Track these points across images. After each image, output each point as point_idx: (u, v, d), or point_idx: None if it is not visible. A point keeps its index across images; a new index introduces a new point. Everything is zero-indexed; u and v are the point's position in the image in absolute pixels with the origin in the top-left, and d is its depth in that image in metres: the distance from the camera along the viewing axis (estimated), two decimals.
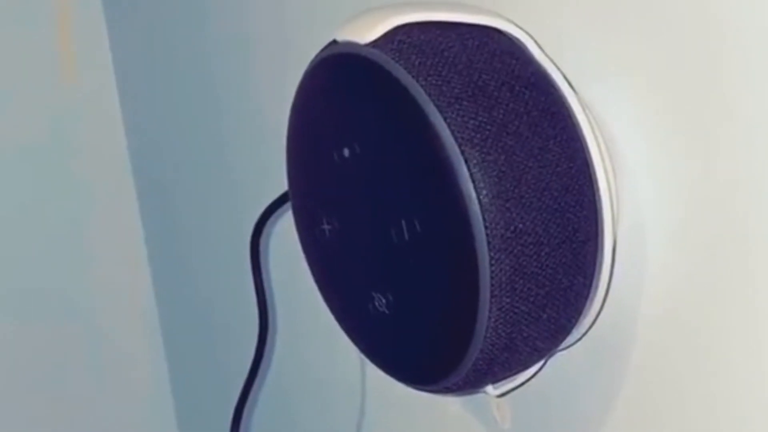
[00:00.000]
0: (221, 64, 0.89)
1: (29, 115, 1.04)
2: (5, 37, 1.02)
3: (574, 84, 0.53)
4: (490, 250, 0.49)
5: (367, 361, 0.78)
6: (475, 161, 0.49)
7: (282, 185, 0.69)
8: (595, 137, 0.52)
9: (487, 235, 0.49)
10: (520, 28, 0.53)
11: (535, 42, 0.53)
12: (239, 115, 0.89)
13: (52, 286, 1.07)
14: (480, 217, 0.49)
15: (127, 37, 1.03)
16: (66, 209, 1.06)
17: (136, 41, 1.03)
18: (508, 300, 0.50)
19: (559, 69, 0.53)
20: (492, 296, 0.50)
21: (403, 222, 0.52)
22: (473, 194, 0.49)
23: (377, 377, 0.80)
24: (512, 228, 0.49)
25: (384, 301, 0.56)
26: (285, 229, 0.83)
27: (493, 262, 0.49)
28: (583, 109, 0.52)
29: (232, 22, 0.87)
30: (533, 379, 0.60)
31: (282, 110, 0.65)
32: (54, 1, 1.03)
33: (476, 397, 0.68)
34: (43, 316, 1.07)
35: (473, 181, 0.49)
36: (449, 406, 0.72)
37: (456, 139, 0.49)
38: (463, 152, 0.49)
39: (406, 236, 0.52)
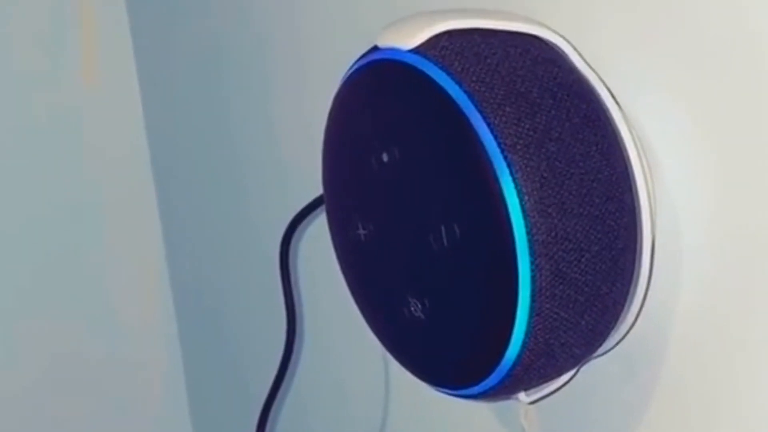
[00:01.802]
0: (244, 65, 0.90)
1: (51, 114, 1.04)
2: (28, 37, 1.02)
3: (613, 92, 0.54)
4: (531, 255, 0.49)
5: (391, 369, 0.79)
6: (518, 167, 0.49)
7: (309, 191, 0.70)
8: (635, 144, 0.52)
9: (528, 240, 0.49)
10: (561, 36, 0.54)
11: (576, 50, 0.54)
12: (266, 116, 0.89)
13: (68, 289, 1.07)
14: (522, 223, 0.49)
15: (150, 37, 1.04)
16: (85, 210, 1.06)
17: (160, 42, 1.03)
18: (548, 305, 0.50)
19: (599, 77, 0.53)
20: (532, 301, 0.50)
21: (443, 227, 0.52)
22: (516, 200, 0.49)
23: (402, 385, 0.81)
24: (554, 234, 0.49)
25: (420, 306, 0.56)
26: (311, 237, 0.83)
27: (533, 267, 0.50)
28: (623, 117, 0.53)
29: (253, 23, 0.87)
30: (563, 388, 0.60)
31: (309, 113, 0.65)
32: (78, 0, 1.03)
33: (503, 406, 0.69)
34: (60, 320, 1.07)
35: (516, 187, 0.49)
36: (474, 414, 0.72)
37: (499, 145, 0.49)
38: (506, 158, 0.49)
39: (445, 242, 0.53)
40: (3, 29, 1.01)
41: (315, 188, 0.66)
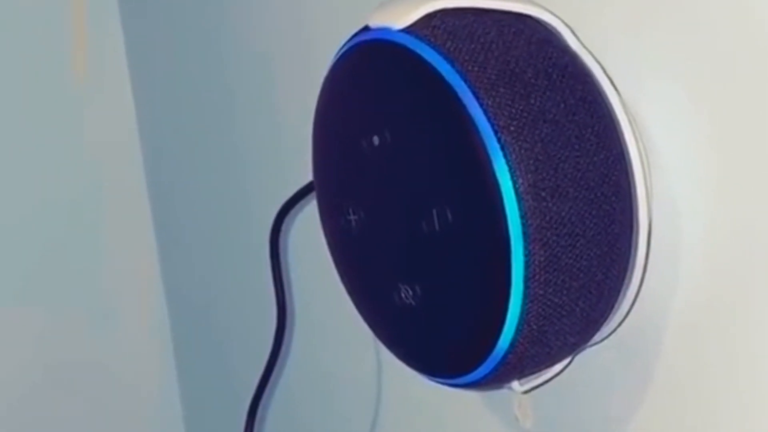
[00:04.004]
0: (237, 56, 0.89)
1: (41, 110, 1.03)
2: (18, 32, 1.01)
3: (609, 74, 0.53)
4: (524, 240, 0.48)
5: (384, 358, 0.78)
6: (511, 149, 0.48)
7: (298, 179, 0.69)
8: (631, 126, 0.51)
9: (522, 224, 0.48)
10: (557, 17, 0.53)
11: (572, 31, 0.53)
12: (256, 107, 0.88)
13: (58, 284, 1.06)
14: (516, 206, 0.48)
15: (141, 31, 1.03)
16: (76, 204, 1.05)
17: (151, 36, 1.02)
18: (541, 292, 0.49)
19: (594, 58, 0.52)
20: (525, 287, 0.49)
21: (434, 211, 0.51)
22: (509, 183, 0.48)
23: (393, 376, 0.80)
24: (548, 218, 0.48)
25: (411, 292, 0.55)
26: (301, 224, 0.82)
27: (527, 252, 0.48)
28: (619, 98, 0.52)
29: (248, 15, 0.86)
30: (556, 377, 0.59)
31: (302, 101, 0.64)
32: None
33: (496, 396, 0.68)
34: (50, 317, 1.06)
35: (510, 170, 0.48)
36: (467, 404, 0.71)
37: (492, 126, 0.48)
38: (499, 140, 0.48)
39: (437, 226, 0.51)
40: None
41: (306, 176, 0.65)
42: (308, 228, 0.73)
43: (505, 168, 0.48)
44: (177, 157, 1.03)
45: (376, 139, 0.54)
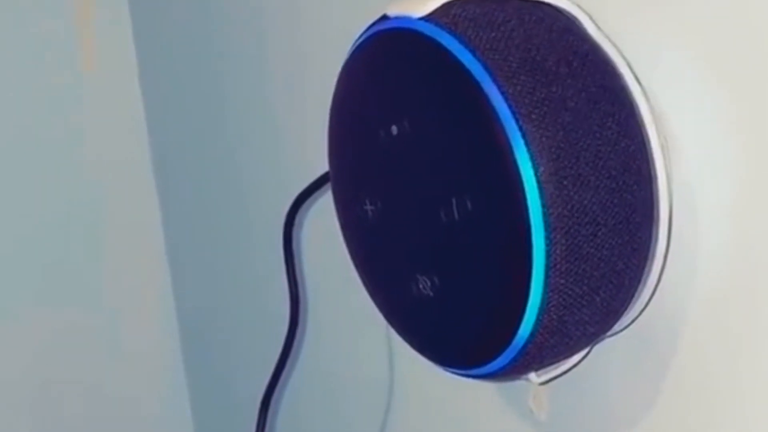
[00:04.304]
0: (243, 50, 0.89)
1: (49, 102, 1.03)
2: (25, 23, 1.01)
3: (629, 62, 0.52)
4: (546, 229, 0.48)
5: (397, 349, 0.78)
6: (532, 137, 0.48)
7: (312, 171, 0.68)
8: (652, 115, 0.51)
9: (543, 213, 0.48)
10: (577, 5, 0.52)
11: (591, 19, 0.52)
12: (269, 99, 0.88)
13: (65, 274, 1.06)
14: (537, 195, 0.48)
15: (149, 24, 1.03)
16: (84, 196, 1.06)
17: (159, 29, 1.02)
18: (562, 281, 0.49)
19: (615, 46, 0.52)
20: (546, 277, 0.49)
21: (454, 201, 0.51)
22: (531, 171, 0.47)
23: (406, 368, 0.80)
24: (569, 206, 0.48)
25: (429, 283, 0.54)
26: (315, 215, 0.82)
27: (548, 241, 0.48)
28: (640, 87, 0.51)
29: (253, 10, 0.86)
30: (572, 369, 0.58)
31: (318, 91, 0.64)
32: None
33: (510, 388, 0.67)
34: (57, 305, 1.06)
35: (531, 158, 0.47)
36: (480, 397, 0.71)
37: (514, 114, 0.48)
38: (521, 128, 0.48)
39: (456, 216, 0.51)
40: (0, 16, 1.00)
41: (319, 168, 0.64)
42: (321, 220, 0.72)
43: (527, 156, 0.47)
44: (187, 149, 1.03)
45: (394, 129, 0.53)
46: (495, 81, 0.48)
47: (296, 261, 0.75)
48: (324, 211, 0.64)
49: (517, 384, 0.61)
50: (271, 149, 0.89)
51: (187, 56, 0.99)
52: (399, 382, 0.80)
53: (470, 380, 0.57)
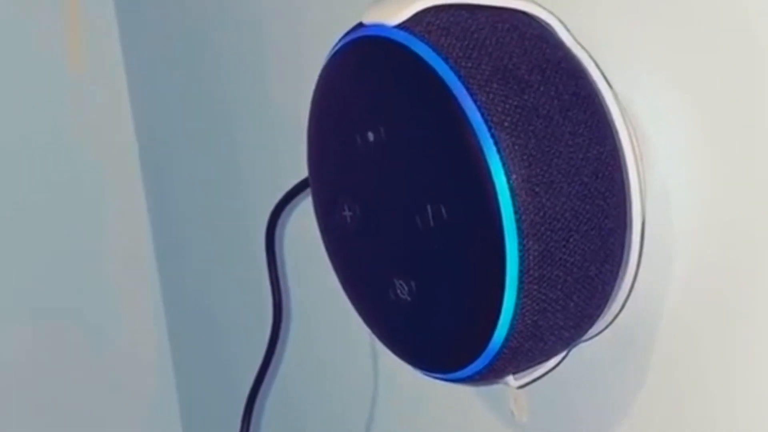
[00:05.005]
0: (233, 50, 0.89)
1: (36, 103, 1.03)
2: (13, 25, 1.01)
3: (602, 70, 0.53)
4: (519, 235, 0.48)
5: (380, 354, 0.78)
6: (505, 145, 0.48)
7: (294, 175, 0.69)
8: (625, 122, 0.51)
9: (516, 220, 0.48)
10: (550, 13, 0.53)
11: (565, 27, 0.53)
12: (252, 103, 0.88)
13: (50, 276, 1.06)
14: (510, 202, 0.48)
15: (136, 24, 1.03)
16: (72, 199, 1.05)
17: (146, 29, 1.02)
18: (536, 287, 0.50)
19: (588, 54, 0.52)
20: (520, 282, 0.49)
21: (429, 207, 0.51)
22: (504, 179, 0.48)
23: (390, 370, 0.80)
24: (542, 213, 0.49)
25: (406, 288, 0.55)
26: (296, 221, 0.82)
27: (521, 247, 0.49)
28: (613, 94, 0.52)
29: (245, 8, 0.86)
30: (552, 372, 0.59)
31: (297, 97, 0.64)
32: None
33: (492, 390, 0.68)
34: (41, 310, 1.06)
35: (504, 166, 0.48)
36: (463, 399, 0.72)
37: (486, 122, 0.48)
38: (493, 135, 0.48)
39: (432, 222, 0.52)
40: None
41: (301, 173, 0.65)
42: (304, 224, 0.73)
43: (499, 163, 0.48)
44: (173, 154, 1.03)
45: (370, 135, 0.54)
46: (468, 89, 0.48)
47: (280, 263, 0.75)
48: (309, 214, 0.64)
49: (499, 387, 0.61)
50: (256, 152, 0.90)
51: (175, 58, 0.99)
52: (383, 385, 0.81)
53: (450, 384, 0.58)
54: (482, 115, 0.48)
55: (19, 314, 1.05)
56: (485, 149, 0.48)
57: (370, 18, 0.53)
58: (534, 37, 0.51)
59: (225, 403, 0.92)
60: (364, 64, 0.54)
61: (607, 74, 0.53)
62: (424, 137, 0.51)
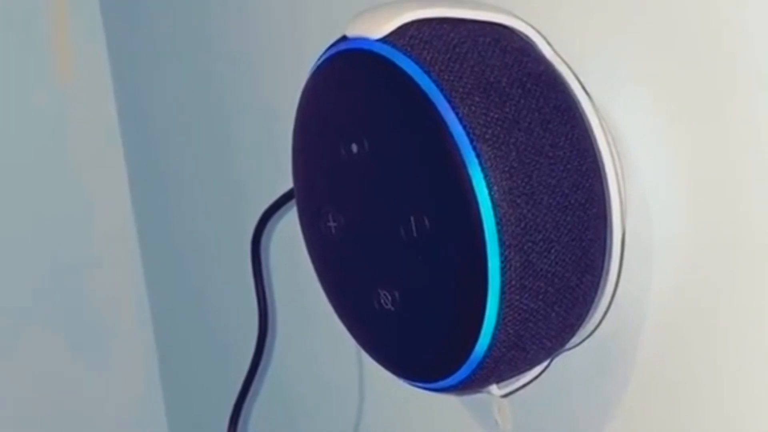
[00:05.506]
0: (222, 59, 0.89)
1: (23, 113, 1.03)
2: (1, 35, 1.01)
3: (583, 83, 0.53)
4: (500, 246, 0.49)
5: (366, 363, 0.79)
6: (486, 157, 0.49)
7: (281, 185, 0.69)
8: (605, 134, 0.52)
9: (498, 231, 0.49)
10: (531, 26, 0.53)
11: (546, 40, 0.54)
12: (240, 113, 0.88)
13: (39, 284, 1.06)
14: (492, 214, 0.49)
15: (124, 34, 1.03)
16: (59, 208, 1.05)
17: (134, 39, 1.02)
18: (517, 297, 0.50)
19: (569, 67, 0.53)
20: (501, 293, 0.50)
21: (412, 218, 0.52)
22: (485, 190, 0.48)
23: (376, 379, 0.80)
24: (523, 225, 0.49)
25: (390, 298, 0.55)
26: (282, 230, 0.83)
27: (503, 258, 0.49)
28: (593, 107, 0.52)
29: (235, 17, 0.86)
30: (535, 381, 0.59)
31: (285, 107, 0.65)
32: None
33: (477, 400, 0.68)
34: (34, 314, 1.06)
35: (485, 177, 0.48)
36: (448, 408, 0.72)
37: (468, 134, 0.49)
38: (475, 148, 0.49)
39: (415, 233, 0.52)
40: None
41: (287, 183, 0.65)
42: (290, 234, 0.73)
43: (481, 175, 0.48)
44: (160, 165, 1.03)
45: (354, 147, 0.54)
46: (449, 101, 0.49)
47: (266, 273, 0.76)
48: (294, 224, 0.64)
49: (484, 397, 0.62)
50: (242, 162, 0.90)
51: (162, 68, 0.99)
52: (369, 393, 0.81)
53: (434, 393, 0.58)
54: (464, 127, 0.49)
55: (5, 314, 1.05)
56: (467, 161, 0.49)
57: (354, 31, 0.54)
58: (515, 51, 0.52)
59: (211, 410, 0.92)
60: (347, 77, 0.55)
61: (587, 86, 0.53)
62: (407, 149, 0.51)
